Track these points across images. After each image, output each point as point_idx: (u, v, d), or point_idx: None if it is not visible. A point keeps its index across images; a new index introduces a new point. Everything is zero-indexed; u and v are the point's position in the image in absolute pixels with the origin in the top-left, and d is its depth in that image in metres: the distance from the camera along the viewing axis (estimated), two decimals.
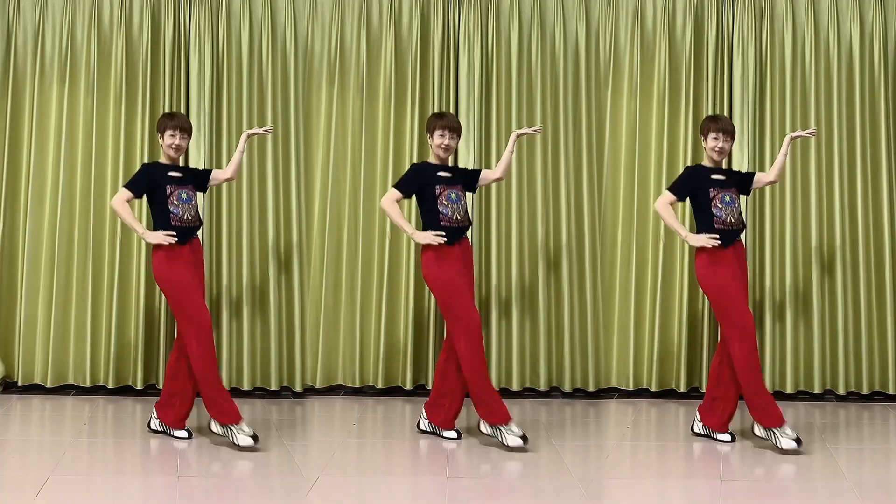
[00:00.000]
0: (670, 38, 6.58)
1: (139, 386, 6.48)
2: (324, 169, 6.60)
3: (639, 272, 6.59)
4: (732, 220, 5.56)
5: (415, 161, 6.47)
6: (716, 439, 5.69)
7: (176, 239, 5.45)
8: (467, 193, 5.85)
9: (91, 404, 6.31)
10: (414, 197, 5.75)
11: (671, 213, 5.60)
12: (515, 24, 6.57)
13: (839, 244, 6.51)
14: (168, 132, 5.55)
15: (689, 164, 6.44)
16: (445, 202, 5.60)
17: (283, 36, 6.56)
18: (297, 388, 6.56)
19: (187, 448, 5.46)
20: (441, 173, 5.63)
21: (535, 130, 5.82)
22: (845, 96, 6.54)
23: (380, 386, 6.58)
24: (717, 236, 5.50)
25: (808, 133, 5.72)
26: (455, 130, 5.63)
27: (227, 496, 4.78)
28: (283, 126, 6.56)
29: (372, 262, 6.59)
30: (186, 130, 5.59)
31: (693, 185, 5.61)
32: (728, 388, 5.63)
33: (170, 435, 5.64)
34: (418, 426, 5.82)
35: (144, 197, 5.64)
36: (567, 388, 6.58)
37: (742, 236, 6.21)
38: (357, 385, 6.63)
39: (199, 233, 6.33)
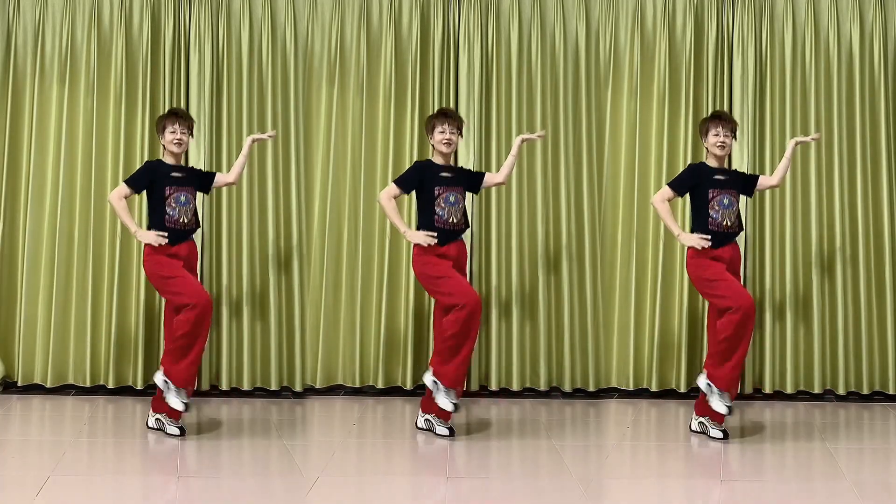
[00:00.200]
0: (670, 38, 6.58)
1: (139, 386, 6.48)
2: (324, 169, 6.60)
3: (639, 272, 6.59)
4: (728, 224, 5.57)
5: (415, 160, 6.47)
6: (709, 436, 5.70)
7: (167, 240, 5.47)
8: (468, 194, 5.86)
9: (91, 404, 6.31)
10: (414, 195, 5.77)
11: (667, 209, 5.63)
12: (515, 24, 6.57)
13: (839, 244, 6.51)
14: (168, 128, 5.56)
15: (689, 163, 6.44)
16: (443, 204, 5.60)
17: (283, 36, 6.56)
18: (297, 388, 6.56)
19: (187, 448, 5.46)
20: (443, 174, 5.63)
21: (538, 136, 5.83)
22: (845, 96, 6.54)
23: (380, 386, 6.58)
24: (709, 237, 5.53)
25: (812, 138, 5.74)
26: (456, 123, 5.64)
27: (227, 496, 4.78)
28: (283, 126, 6.56)
29: (372, 261, 6.60)
30: (187, 123, 5.60)
31: (693, 183, 5.62)
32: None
33: (165, 431, 5.65)
34: (416, 424, 5.82)
35: (145, 195, 5.67)
36: (567, 388, 6.58)
37: (742, 241, 6.24)
38: (357, 385, 6.63)
39: (200, 233, 6.33)
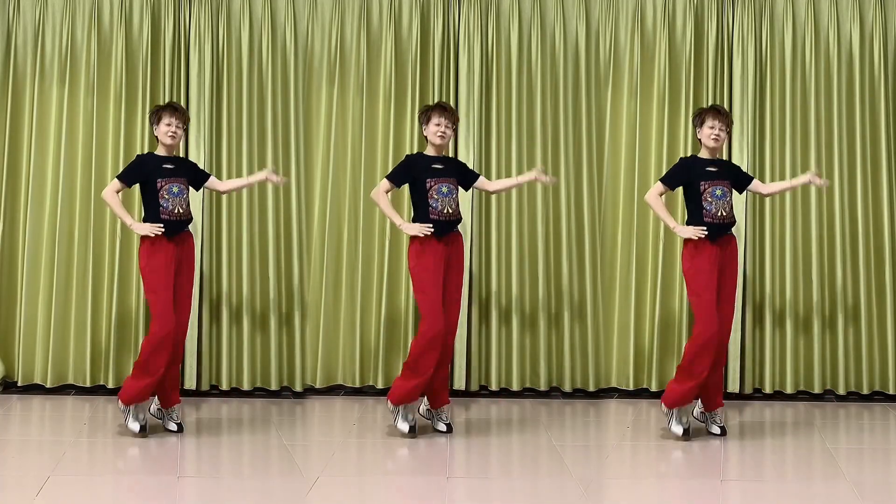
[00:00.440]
0: (670, 38, 6.58)
1: None
2: (324, 169, 6.60)
3: (639, 272, 6.59)
4: (723, 214, 5.56)
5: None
6: (709, 431, 5.71)
7: (163, 230, 5.47)
8: (461, 189, 5.84)
9: (91, 404, 6.31)
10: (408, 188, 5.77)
11: (660, 203, 5.64)
12: (515, 24, 6.57)
13: (839, 244, 6.50)
14: (165, 119, 5.58)
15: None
16: (436, 195, 5.60)
17: (283, 36, 6.56)
18: (297, 388, 6.56)
19: (187, 448, 5.46)
20: (434, 165, 5.63)
21: (549, 181, 5.78)
22: (845, 96, 6.54)
23: (380, 386, 6.57)
24: (705, 228, 5.53)
25: (822, 183, 5.73)
26: (453, 118, 5.64)
27: (227, 496, 4.78)
28: (283, 126, 6.56)
29: (372, 261, 6.59)
30: (183, 117, 5.61)
31: (685, 177, 5.63)
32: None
33: (164, 425, 5.68)
34: (418, 410, 5.86)
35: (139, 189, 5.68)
36: (567, 388, 6.58)
37: (741, 241, 6.23)
38: (357, 385, 6.63)
39: (199, 233, 6.35)
